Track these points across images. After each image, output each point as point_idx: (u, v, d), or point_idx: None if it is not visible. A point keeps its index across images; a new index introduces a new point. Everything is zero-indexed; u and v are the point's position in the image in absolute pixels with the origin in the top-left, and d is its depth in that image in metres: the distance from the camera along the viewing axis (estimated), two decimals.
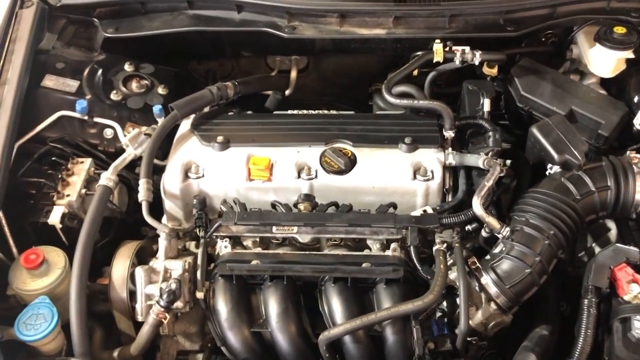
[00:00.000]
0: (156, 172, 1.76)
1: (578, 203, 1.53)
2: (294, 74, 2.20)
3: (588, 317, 1.40)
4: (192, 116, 1.84)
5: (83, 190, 1.73)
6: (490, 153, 1.67)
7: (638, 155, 1.59)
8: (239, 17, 2.00)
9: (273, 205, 1.66)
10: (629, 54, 1.83)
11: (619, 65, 1.86)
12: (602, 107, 1.78)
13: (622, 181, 1.55)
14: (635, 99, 1.76)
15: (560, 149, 1.57)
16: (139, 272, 1.54)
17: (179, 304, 1.54)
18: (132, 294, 1.59)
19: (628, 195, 1.54)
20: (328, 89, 2.39)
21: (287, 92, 2.17)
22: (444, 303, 1.50)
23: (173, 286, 1.50)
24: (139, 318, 1.55)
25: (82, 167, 1.78)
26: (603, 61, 1.85)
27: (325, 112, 1.96)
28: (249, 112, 1.94)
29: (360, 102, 2.32)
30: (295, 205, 1.64)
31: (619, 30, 1.83)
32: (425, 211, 1.63)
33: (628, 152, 1.62)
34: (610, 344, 1.36)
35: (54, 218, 1.66)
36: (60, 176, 1.73)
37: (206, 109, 1.89)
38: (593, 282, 1.43)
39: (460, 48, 1.86)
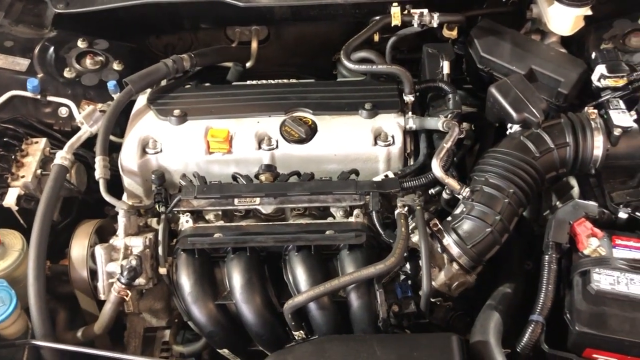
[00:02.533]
0: (115, 150, 1.73)
1: (537, 161, 1.53)
2: (254, 44, 2.16)
3: (549, 273, 1.41)
4: (149, 91, 1.80)
5: (39, 171, 1.70)
6: (449, 115, 1.66)
7: (596, 111, 1.59)
8: None
9: (234, 177, 1.63)
10: (587, 11, 1.82)
11: (578, 23, 1.85)
12: (561, 65, 1.78)
13: (581, 137, 1.55)
14: (593, 55, 1.75)
15: (518, 107, 1.56)
16: (99, 250, 1.52)
17: (141, 281, 1.52)
18: (93, 273, 1.57)
19: (587, 151, 1.55)
20: (291, 59, 2.35)
21: (248, 64, 2.13)
22: (407, 266, 1.50)
23: (133, 262, 1.48)
24: (101, 297, 1.54)
25: (37, 147, 1.73)
26: (561, 19, 1.84)
27: (285, 81, 1.92)
28: (207, 84, 1.90)
29: (324, 72, 2.29)
30: (257, 176, 1.62)
31: None
32: (386, 176, 1.63)
33: (586, 108, 1.61)
34: (570, 298, 1.37)
35: (9, 200, 1.62)
36: (14, 157, 1.69)
37: (163, 83, 1.85)
38: (553, 238, 1.44)
39: (418, 11, 1.83)
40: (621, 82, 1.66)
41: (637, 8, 1.91)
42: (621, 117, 1.55)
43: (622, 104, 1.60)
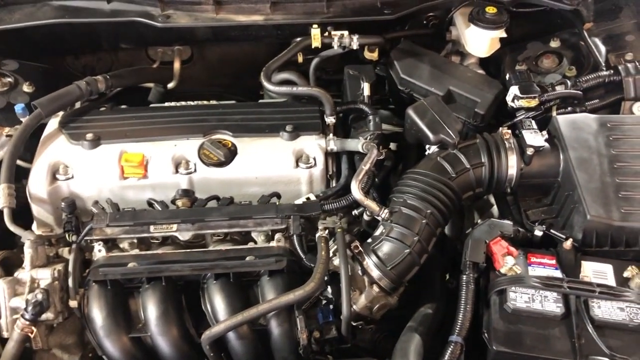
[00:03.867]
0: (26, 176, 1.64)
1: (454, 181, 1.55)
2: (177, 65, 2.12)
3: (467, 293, 1.42)
4: (61, 114, 1.72)
5: None
6: (369, 137, 1.67)
7: (510, 132, 1.63)
8: (109, 7, 1.90)
9: (149, 203, 1.58)
10: (501, 33, 1.88)
11: (494, 45, 1.91)
12: (477, 86, 1.82)
13: (495, 157, 1.58)
14: (507, 77, 1.81)
15: (435, 129, 1.58)
16: (1, 284, 1.43)
17: (49, 315, 1.44)
18: None
19: (501, 170, 1.58)
20: (216, 79, 2.32)
21: (170, 85, 2.08)
22: (329, 290, 1.48)
23: (39, 296, 1.40)
24: (4, 334, 1.44)
25: None
26: (478, 41, 1.89)
27: (205, 102, 1.88)
28: (123, 106, 1.84)
29: (251, 92, 2.26)
30: (173, 201, 1.57)
31: (491, 10, 1.87)
32: (308, 199, 1.61)
33: (500, 129, 1.65)
34: (488, 317, 1.39)
35: None
36: None
37: (77, 106, 1.77)
38: (470, 257, 1.45)
39: (338, 33, 1.84)
40: (533, 103, 1.71)
41: (549, 31, 1.99)
42: (533, 137, 1.59)
43: (534, 124, 1.64)
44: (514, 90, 1.73)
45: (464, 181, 1.56)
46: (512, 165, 1.58)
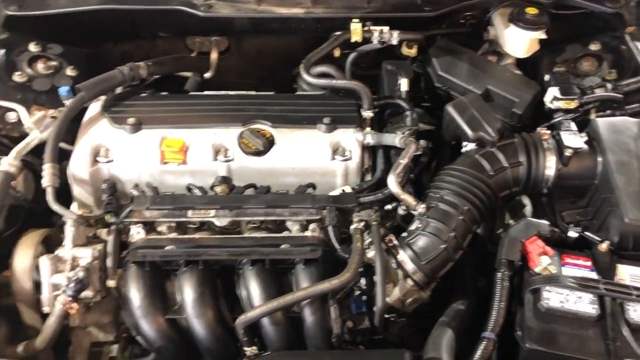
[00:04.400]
0: (65, 158, 1.67)
1: (491, 179, 1.55)
2: (214, 55, 2.14)
3: (501, 290, 1.42)
4: (103, 98, 1.75)
5: None
6: (406, 132, 1.67)
7: (548, 132, 1.63)
8: None
9: (188, 189, 1.60)
10: (541, 35, 1.87)
11: (532, 46, 1.91)
12: (516, 86, 1.82)
13: (533, 157, 1.58)
14: (546, 78, 1.80)
15: (474, 126, 1.59)
16: (44, 261, 1.46)
17: (88, 293, 1.47)
18: (38, 285, 1.50)
19: (539, 170, 1.58)
20: (251, 71, 2.33)
21: (207, 75, 2.10)
22: (363, 281, 1.49)
23: (80, 274, 1.43)
24: (45, 310, 1.47)
25: None
26: (517, 41, 1.89)
27: (244, 92, 1.90)
28: (164, 93, 1.86)
29: (284, 85, 2.28)
30: (212, 188, 1.59)
31: (531, 11, 1.87)
32: (343, 191, 1.62)
33: (539, 129, 1.65)
34: (521, 315, 1.39)
35: None
36: None
37: (118, 91, 1.80)
38: (505, 255, 1.46)
39: (378, 28, 1.85)
40: (572, 105, 1.71)
41: (589, 34, 1.98)
42: (572, 139, 1.59)
43: (573, 126, 1.64)
44: (553, 91, 1.73)
45: (502, 180, 1.57)
46: (549, 165, 1.58)
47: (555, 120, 1.70)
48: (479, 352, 1.36)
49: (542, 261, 1.45)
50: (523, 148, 1.59)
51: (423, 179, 1.76)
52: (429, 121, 1.96)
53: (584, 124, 1.69)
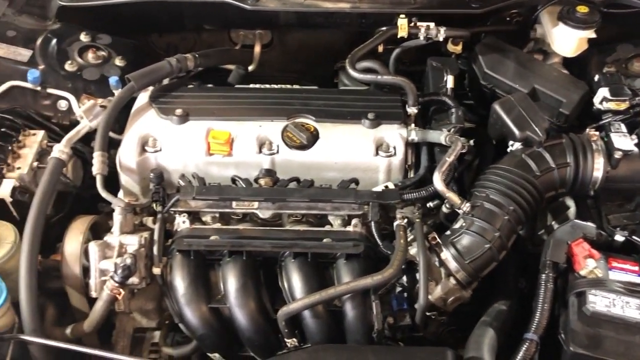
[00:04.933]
0: (113, 146, 1.71)
1: (538, 179, 1.54)
2: (257, 48, 2.16)
3: (545, 292, 1.40)
4: (151, 88, 1.78)
5: (35, 163, 1.67)
6: (452, 129, 1.66)
7: (597, 133, 1.60)
8: None
9: (233, 180, 1.62)
10: (591, 34, 1.84)
11: (581, 45, 1.87)
12: (563, 86, 1.79)
13: (581, 158, 1.56)
14: (596, 78, 1.77)
15: (521, 125, 1.57)
16: (93, 246, 1.50)
17: (134, 280, 1.50)
18: (86, 270, 1.54)
19: (586, 172, 1.56)
20: (293, 65, 2.35)
21: (250, 68, 2.12)
22: (404, 278, 1.49)
23: (128, 261, 1.46)
24: (93, 294, 1.51)
25: (34, 139, 1.71)
26: (566, 40, 1.86)
27: (288, 86, 1.92)
28: (210, 85, 1.89)
29: (325, 80, 2.28)
30: (256, 180, 1.61)
31: (582, 9, 1.83)
32: (386, 187, 1.62)
33: (588, 130, 1.63)
34: (565, 318, 1.37)
35: (4, 191, 1.59)
36: (10, 148, 1.66)
37: (165, 82, 1.83)
38: (551, 257, 1.44)
39: (425, 24, 1.84)
40: (623, 106, 1.67)
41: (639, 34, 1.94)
42: (622, 140, 1.57)
43: (623, 127, 1.61)
44: (603, 92, 1.70)
45: (548, 180, 1.55)
46: (598, 167, 1.55)
47: (605, 121, 1.67)
48: (520, 354, 1.35)
49: (588, 264, 1.43)
50: (571, 149, 1.57)
51: (464, 178, 1.75)
52: (470, 119, 1.94)
53: (633, 126, 1.66)
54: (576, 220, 1.52)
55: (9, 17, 1.92)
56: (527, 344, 1.36)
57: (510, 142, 1.63)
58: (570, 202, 1.73)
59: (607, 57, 1.90)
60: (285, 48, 2.31)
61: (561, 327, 1.37)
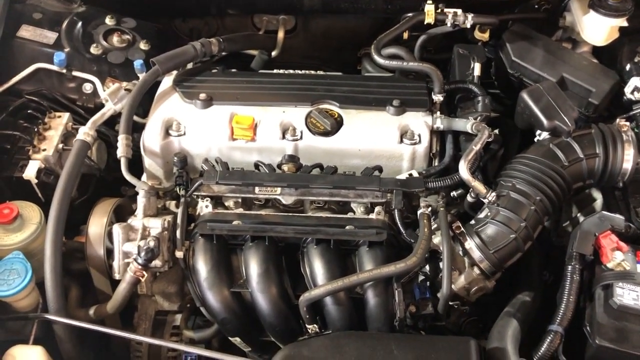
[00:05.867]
0: (137, 130, 1.71)
1: (566, 170, 1.51)
2: (281, 34, 2.15)
3: (571, 284, 1.39)
4: (174, 72, 1.78)
5: (60, 145, 1.69)
6: (478, 118, 1.64)
7: (627, 124, 1.57)
8: None
9: (256, 166, 1.62)
10: (623, 22, 1.80)
11: (613, 33, 1.83)
12: (593, 75, 1.76)
13: (611, 149, 1.53)
14: (627, 67, 1.73)
15: (550, 114, 1.54)
16: (117, 229, 1.50)
17: (157, 263, 1.51)
18: (109, 252, 1.55)
19: (616, 163, 1.53)
20: (316, 51, 2.34)
21: (273, 53, 2.11)
22: (427, 267, 1.48)
23: (151, 244, 1.47)
24: (116, 276, 1.52)
25: (60, 121, 1.73)
26: (597, 28, 1.82)
27: (312, 72, 1.90)
28: (234, 70, 1.88)
29: (348, 66, 2.27)
30: (279, 166, 1.60)
31: None
32: (411, 175, 1.61)
33: (618, 120, 1.59)
34: (592, 311, 1.35)
35: (30, 173, 1.61)
36: (36, 130, 1.68)
37: (189, 66, 1.83)
38: (577, 248, 1.42)
39: (452, 10, 1.81)
40: None
41: None
42: None
43: None
44: (635, 81, 1.66)
45: (576, 171, 1.52)
46: (627, 159, 1.52)
47: (635, 111, 1.64)
48: (545, 345, 1.34)
49: (616, 256, 1.40)
50: (600, 139, 1.54)
51: (488, 167, 1.73)
52: (495, 108, 1.91)
53: None
54: (604, 212, 1.49)
55: None
56: (551, 335, 1.35)
57: (538, 132, 1.61)
58: (597, 194, 1.70)
59: (639, 46, 1.85)
60: (308, 34, 2.30)
61: (587, 320, 1.36)
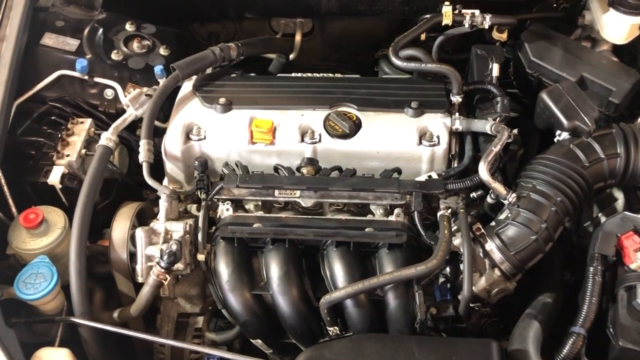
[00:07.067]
0: (158, 134, 1.73)
1: (586, 170, 1.50)
2: (298, 37, 2.16)
3: (593, 285, 1.38)
4: (194, 77, 1.80)
5: (83, 151, 1.71)
6: (498, 118, 1.64)
7: None
8: None
9: (276, 169, 1.63)
10: None
11: (633, 31, 1.81)
12: (613, 74, 1.74)
13: (632, 149, 1.51)
14: None
15: (570, 114, 1.53)
16: (140, 233, 1.53)
17: (179, 266, 1.53)
18: (133, 255, 1.58)
19: (638, 163, 1.51)
20: (333, 53, 2.35)
21: (291, 56, 2.13)
22: (447, 269, 1.48)
23: (174, 247, 1.49)
24: (139, 279, 1.54)
25: (82, 127, 1.75)
26: (617, 27, 1.80)
27: (330, 75, 1.91)
28: (252, 74, 1.90)
29: (365, 68, 2.28)
30: (298, 169, 1.62)
31: None
32: (430, 177, 1.61)
33: (639, 119, 1.58)
34: (614, 312, 1.35)
35: (54, 178, 1.64)
36: (60, 136, 1.71)
37: (209, 71, 1.85)
38: (599, 249, 1.41)
39: (469, 11, 1.81)
40: None
41: None
42: None
43: None
44: None
45: (597, 171, 1.51)
46: None
47: None
48: (567, 347, 1.34)
49: (638, 257, 1.39)
50: (621, 139, 1.53)
51: (507, 168, 1.73)
52: (514, 108, 1.90)
53: None
54: (626, 212, 1.48)
55: (58, 7, 1.95)
56: (574, 337, 1.34)
57: (558, 132, 1.60)
58: (619, 194, 1.69)
59: None
60: (326, 36, 2.31)
61: (609, 321, 1.35)
